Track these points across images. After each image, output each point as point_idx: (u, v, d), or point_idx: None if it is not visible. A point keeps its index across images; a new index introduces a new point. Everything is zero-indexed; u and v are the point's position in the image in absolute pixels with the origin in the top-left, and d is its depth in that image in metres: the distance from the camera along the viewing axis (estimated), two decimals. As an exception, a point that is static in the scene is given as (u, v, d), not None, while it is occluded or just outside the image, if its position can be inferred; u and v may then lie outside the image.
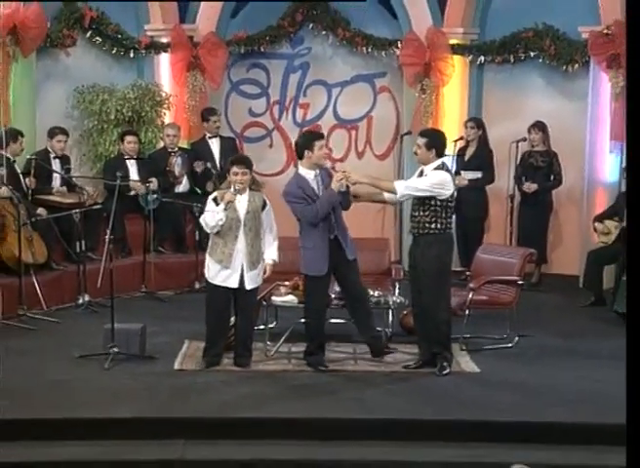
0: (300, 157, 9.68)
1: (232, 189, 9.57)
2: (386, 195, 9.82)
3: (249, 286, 9.65)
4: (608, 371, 9.88)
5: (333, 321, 10.22)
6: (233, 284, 9.61)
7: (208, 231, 9.68)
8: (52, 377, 9.44)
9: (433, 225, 9.50)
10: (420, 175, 9.60)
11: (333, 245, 9.60)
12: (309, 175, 9.60)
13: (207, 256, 9.77)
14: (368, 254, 10.99)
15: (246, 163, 9.80)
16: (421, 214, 9.49)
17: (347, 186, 9.52)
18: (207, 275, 9.75)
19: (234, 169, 9.62)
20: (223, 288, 9.63)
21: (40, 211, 12.06)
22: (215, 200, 9.60)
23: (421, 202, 9.49)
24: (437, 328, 9.64)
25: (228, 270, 9.58)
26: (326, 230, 9.56)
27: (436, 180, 9.47)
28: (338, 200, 9.52)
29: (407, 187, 9.54)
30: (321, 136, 9.91)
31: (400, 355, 10.12)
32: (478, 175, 13.38)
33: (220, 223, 9.50)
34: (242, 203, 9.61)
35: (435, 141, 9.66)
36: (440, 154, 9.62)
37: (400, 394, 9.25)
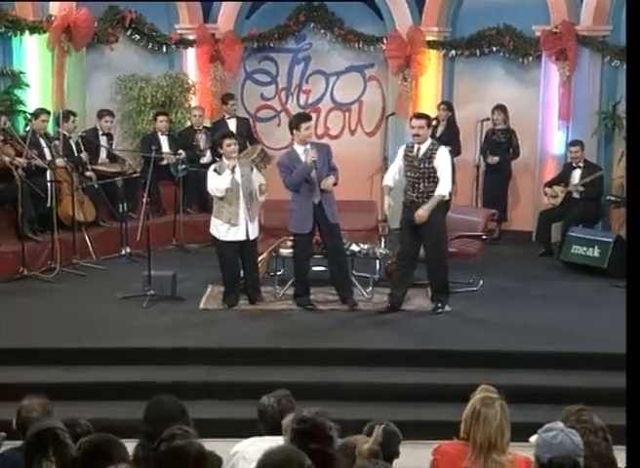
0: (292, 134, 9.62)
1: (229, 158, 9.54)
2: None
3: (252, 236, 9.65)
4: (555, 309, 9.91)
5: (316, 269, 10.11)
6: (241, 236, 9.58)
7: (218, 195, 9.55)
8: (99, 314, 9.47)
9: (436, 193, 9.41)
10: (411, 150, 9.43)
11: (317, 209, 9.50)
12: (299, 149, 9.53)
13: (214, 219, 9.69)
14: (359, 214, 10.95)
15: (234, 136, 9.93)
16: (426, 184, 9.31)
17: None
18: (217, 235, 9.67)
19: (227, 141, 9.61)
20: (232, 242, 9.59)
21: (89, 174, 12.06)
22: (215, 170, 9.56)
23: (427, 175, 9.33)
24: (441, 275, 9.61)
25: (236, 227, 9.54)
26: (310, 196, 9.47)
27: (450, 163, 9.59)
28: (309, 172, 9.37)
29: (447, 188, 9.41)
30: (308, 118, 9.79)
31: (386, 297, 10.09)
32: (448, 148, 13.28)
33: (229, 186, 9.46)
34: (237, 169, 9.55)
35: (431, 121, 9.65)
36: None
37: (385, 328, 9.26)
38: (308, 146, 9.47)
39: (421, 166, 9.34)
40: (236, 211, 9.52)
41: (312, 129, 9.75)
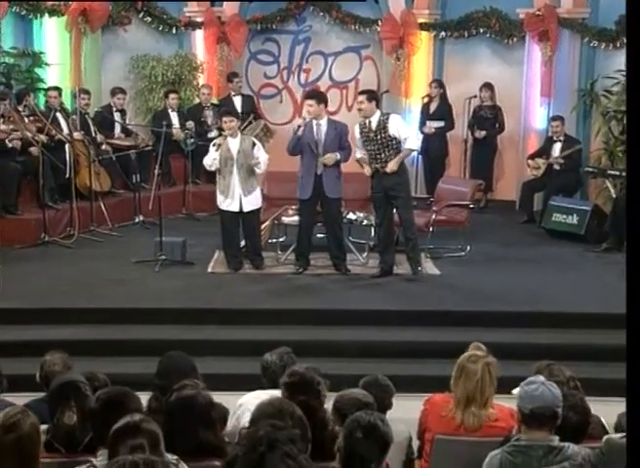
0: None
1: (224, 134, 9.53)
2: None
3: (247, 209, 9.58)
4: (537, 272, 9.93)
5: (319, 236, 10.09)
6: (235, 208, 9.54)
7: (207, 169, 9.71)
8: (115, 277, 9.49)
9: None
10: (364, 125, 9.32)
11: (318, 180, 9.47)
12: (313, 122, 9.45)
13: (217, 189, 9.72)
14: (356, 184, 10.88)
15: (232, 114, 9.86)
16: (388, 153, 9.25)
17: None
18: (217, 203, 9.70)
19: (224, 119, 9.60)
20: (229, 211, 9.59)
21: (104, 147, 12.06)
22: (214, 145, 9.56)
23: (386, 144, 9.26)
24: (415, 237, 9.59)
25: (229, 198, 9.53)
26: (312, 166, 9.42)
27: (404, 123, 9.65)
28: (296, 138, 9.33)
29: (415, 143, 9.70)
30: (306, 96, 9.79)
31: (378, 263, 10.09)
32: (441, 124, 13.30)
33: (216, 162, 9.45)
34: (234, 145, 9.50)
35: (374, 95, 9.60)
36: (377, 105, 9.54)
37: (378, 291, 9.27)
38: (307, 119, 9.45)
39: (378, 137, 9.25)
40: (228, 184, 9.48)
41: (312, 107, 9.58)
